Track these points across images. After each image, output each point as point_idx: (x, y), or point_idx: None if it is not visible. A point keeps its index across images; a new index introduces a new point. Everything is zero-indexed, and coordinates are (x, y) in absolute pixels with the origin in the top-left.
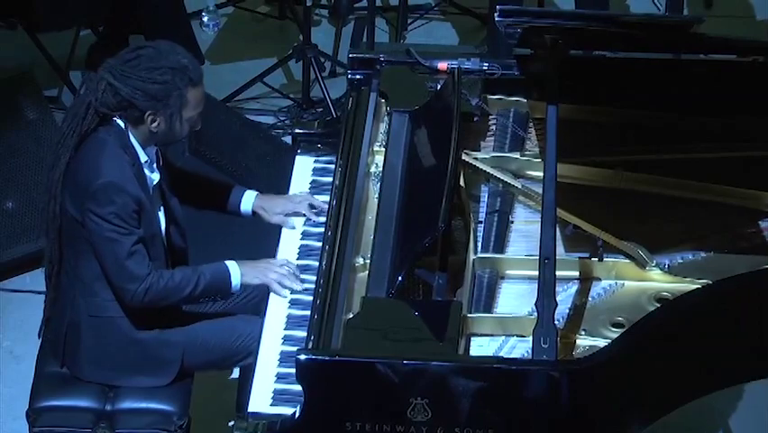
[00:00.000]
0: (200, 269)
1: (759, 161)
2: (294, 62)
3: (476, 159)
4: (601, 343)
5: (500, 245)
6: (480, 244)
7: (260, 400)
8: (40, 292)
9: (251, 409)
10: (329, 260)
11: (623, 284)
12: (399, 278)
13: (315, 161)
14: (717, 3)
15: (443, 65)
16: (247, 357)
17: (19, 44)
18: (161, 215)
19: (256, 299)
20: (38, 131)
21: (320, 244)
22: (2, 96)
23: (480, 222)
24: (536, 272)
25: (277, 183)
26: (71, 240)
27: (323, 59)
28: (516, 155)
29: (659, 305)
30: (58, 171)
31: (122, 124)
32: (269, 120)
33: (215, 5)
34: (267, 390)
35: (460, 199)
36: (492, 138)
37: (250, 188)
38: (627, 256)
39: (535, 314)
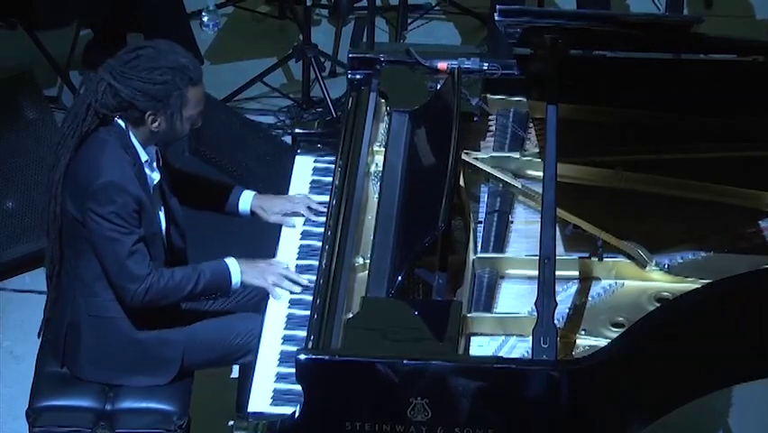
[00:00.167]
0: (200, 267)
1: (759, 161)
2: (294, 62)
3: (476, 159)
4: (601, 343)
5: (500, 245)
6: (479, 244)
7: (260, 400)
8: (40, 292)
9: (251, 408)
10: (329, 260)
11: (623, 284)
12: (399, 278)
13: (315, 161)
14: (716, 2)
15: (442, 65)
16: (247, 354)
17: (19, 44)
18: (162, 214)
19: (256, 298)
20: (38, 131)
21: (320, 243)
22: (2, 96)
23: (480, 222)
24: (536, 272)
25: (277, 183)
26: (72, 240)
27: (323, 59)
28: (516, 155)
29: (659, 305)
30: (58, 172)
31: (122, 125)
32: (269, 120)
33: (215, 5)
34: (267, 389)
35: (460, 199)
36: (492, 138)
37: (249, 188)
38: (627, 256)
39: (535, 314)
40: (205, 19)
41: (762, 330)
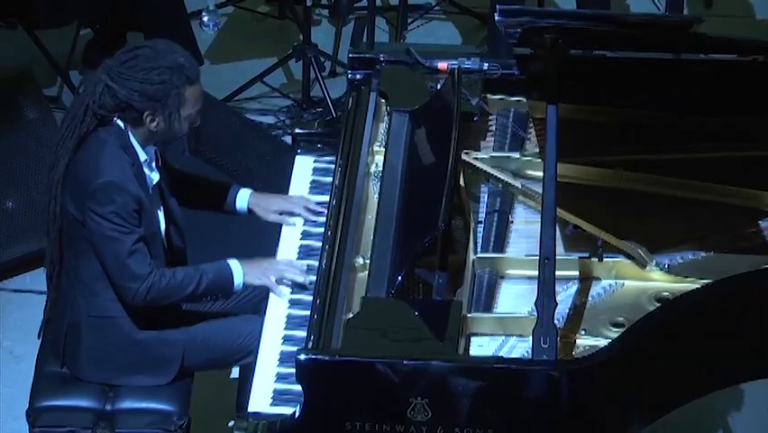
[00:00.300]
0: (202, 267)
1: (759, 161)
2: (294, 62)
3: (476, 158)
4: (601, 342)
5: (500, 245)
6: (479, 244)
7: (260, 400)
8: (40, 292)
9: (251, 408)
10: (329, 260)
11: (623, 284)
12: (399, 278)
13: (315, 161)
14: (716, 2)
15: (443, 65)
16: (247, 356)
17: (19, 44)
18: (161, 214)
19: (256, 299)
20: (38, 131)
21: (320, 243)
22: (2, 96)
23: (480, 222)
24: (536, 272)
25: (277, 183)
26: (72, 240)
27: (323, 59)
28: (516, 155)
29: (659, 305)
30: (57, 172)
31: (121, 125)
32: (269, 120)
33: (215, 5)
34: (267, 389)
35: (460, 199)
36: (492, 138)
37: (247, 187)
38: (627, 256)
39: (535, 314)
40: (205, 19)
41: (762, 330)
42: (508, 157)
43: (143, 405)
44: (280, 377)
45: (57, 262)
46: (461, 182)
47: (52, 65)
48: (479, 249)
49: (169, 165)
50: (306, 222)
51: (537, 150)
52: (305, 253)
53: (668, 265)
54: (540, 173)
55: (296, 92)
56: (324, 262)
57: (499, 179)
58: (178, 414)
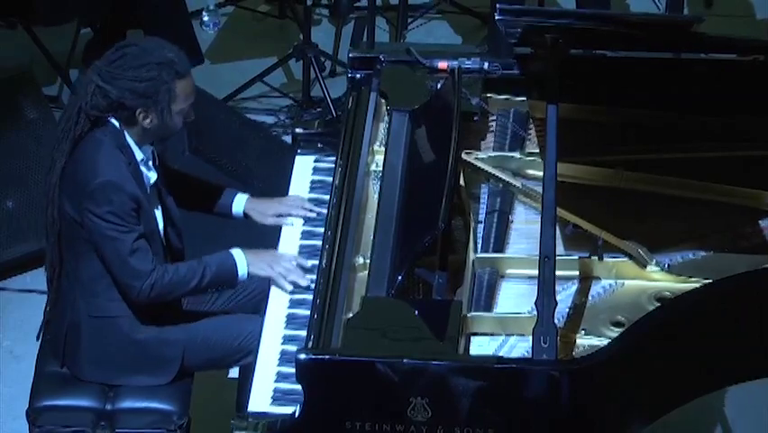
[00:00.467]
0: (205, 260)
1: (759, 161)
2: (294, 62)
3: (476, 158)
4: (602, 342)
5: (500, 245)
6: (480, 244)
7: (261, 400)
8: (40, 292)
9: (251, 408)
10: (329, 259)
11: (623, 283)
12: (399, 277)
13: (316, 161)
14: (717, 2)
15: (443, 64)
16: (247, 356)
17: (19, 43)
18: (159, 214)
19: (256, 298)
20: (38, 130)
21: (320, 243)
22: (2, 96)
23: (480, 221)
24: (536, 272)
25: (277, 183)
26: (71, 242)
27: (323, 59)
28: (517, 155)
29: (659, 304)
30: (54, 176)
31: (116, 124)
32: (270, 119)
33: (216, 5)
34: (267, 389)
35: (460, 199)
36: (492, 137)
37: (248, 188)
38: (628, 255)
39: (535, 313)
40: (206, 18)
41: (762, 330)
42: (509, 157)
43: (143, 405)
44: (281, 377)
45: (57, 264)
46: (462, 182)
47: (52, 64)
48: (479, 249)
49: (167, 165)
50: (306, 222)
51: (537, 149)
52: (305, 252)
53: (668, 265)
54: (540, 173)
55: (296, 92)
56: (324, 261)
57: (499, 178)
58: (178, 414)
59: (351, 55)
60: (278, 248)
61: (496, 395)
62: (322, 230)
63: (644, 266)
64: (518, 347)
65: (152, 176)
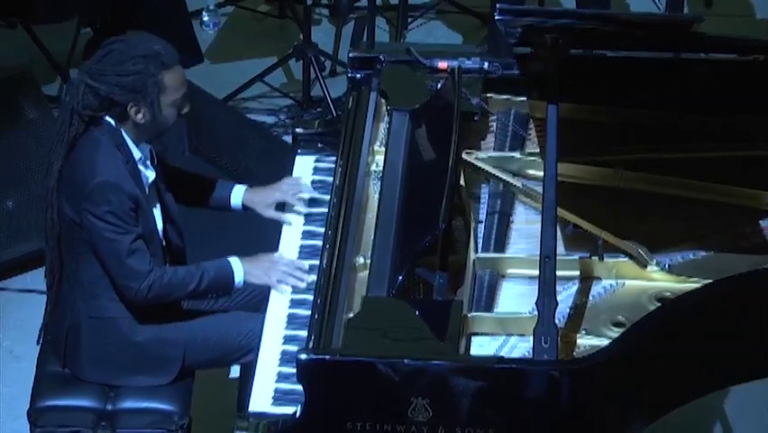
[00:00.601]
0: (203, 265)
1: (759, 161)
2: (294, 61)
3: (476, 158)
4: (602, 342)
5: (501, 245)
6: (480, 244)
7: (261, 400)
8: (41, 292)
9: (251, 408)
10: (330, 259)
11: (623, 283)
12: (400, 277)
13: (316, 161)
14: (717, 2)
15: (443, 64)
16: (248, 354)
17: (19, 43)
18: (158, 213)
19: (256, 299)
20: (38, 130)
21: (321, 243)
22: (2, 96)
23: (481, 221)
24: (537, 272)
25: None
26: (71, 244)
27: (323, 59)
28: (517, 155)
29: (659, 304)
30: (52, 179)
31: (112, 123)
32: (270, 119)
33: (216, 5)
34: (268, 389)
35: (460, 199)
36: (493, 137)
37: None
38: (628, 255)
39: (536, 313)
40: (206, 18)
41: (762, 330)
42: (509, 157)
43: (144, 405)
44: (281, 377)
45: (57, 267)
46: (462, 182)
47: (52, 64)
48: (479, 249)
49: (165, 163)
50: (307, 222)
51: (538, 149)
52: (306, 253)
53: (668, 265)
54: (540, 173)
55: (296, 92)
56: (324, 261)
57: (500, 178)
58: (178, 414)
59: (351, 55)
60: (278, 249)
61: (496, 395)
62: (322, 230)
63: (645, 266)
64: (519, 347)
65: (151, 175)
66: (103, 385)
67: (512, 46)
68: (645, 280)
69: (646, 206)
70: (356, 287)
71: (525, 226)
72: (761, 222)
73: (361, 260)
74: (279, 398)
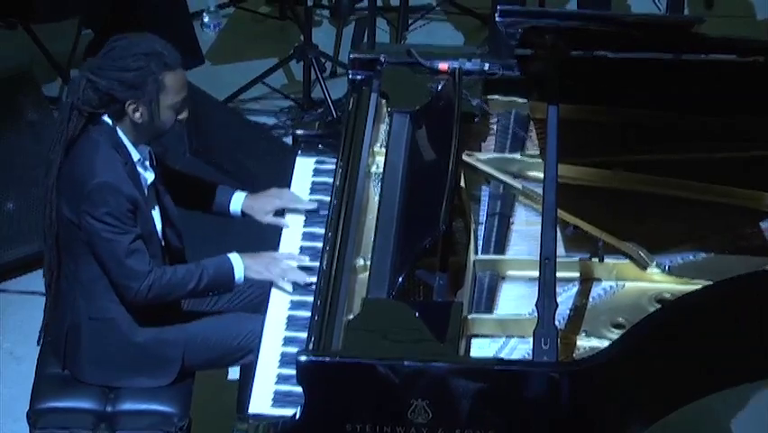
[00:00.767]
0: (203, 263)
1: (759, 161)
2: (295, 63)
3: (477, 160)
4: (602, 344)
5: (501, 246)
6: (480, 245)
7: (261, 402)
8: (41, 294)
9: (251, 410)
10: (330, 261)
11: (623, 285)
12: (400, 279)
13: (316, 162)
14: (717, 3)
15: (443, 65)
16: (248, 354)
17: (19, 43)
18: (157, 214)
19: (256, 300)
20: (38, 131)
21: (321, 245)
22: (2, 96)
23: (481, 223)
24: (537, 273)
25: (277, 184)
26: (70, 244)
27: (323, 60)
28: (517, 156)
29: (659, 306)
30: (51, 178)
31: (110, 122)
32: (270, 121)
33: (216, 6)
34: (267, 391)
35: (460, 200)
36: (493, 139)
37: (246, 189)
38: (628, 257)
39: (536, 315)
40: (206, 20)
41: (762, 331)
42: (509, 158)
43: (144, 406)
44: (281, 378)
45: (55, 267)
46: (462, 183)
47: (52, 64)
48: (479, 250)
49: (165, 165)
50: (307, 223)
51: (538, 151)
52: (306, 254)
53: (668, 266)
54: (541, 174)
55: (296, 93)
56: (324, 263)
57: (500, 180)
58: (178, 415)
59: (351, 56)
60: (278, 250)
61: (496, 397)
62: (322, 231)
63: (645, 268)
64: (519, 349)
65: (149, 176)
66: (102, 387)
67: (513, 47)
68: (645, 281)
69: (646, 207)
70: (356, 288)
71: (526, 228)
72: (761, 223)
73: (361, 261)
74: (279, 399)
